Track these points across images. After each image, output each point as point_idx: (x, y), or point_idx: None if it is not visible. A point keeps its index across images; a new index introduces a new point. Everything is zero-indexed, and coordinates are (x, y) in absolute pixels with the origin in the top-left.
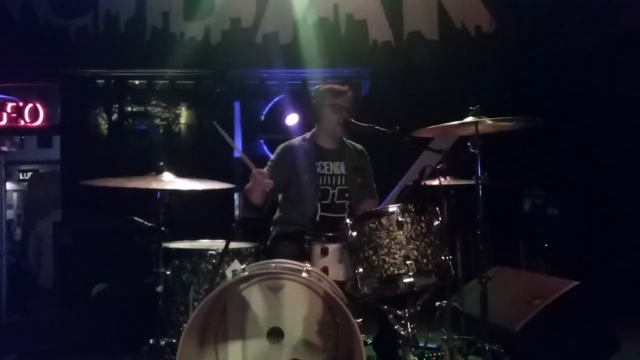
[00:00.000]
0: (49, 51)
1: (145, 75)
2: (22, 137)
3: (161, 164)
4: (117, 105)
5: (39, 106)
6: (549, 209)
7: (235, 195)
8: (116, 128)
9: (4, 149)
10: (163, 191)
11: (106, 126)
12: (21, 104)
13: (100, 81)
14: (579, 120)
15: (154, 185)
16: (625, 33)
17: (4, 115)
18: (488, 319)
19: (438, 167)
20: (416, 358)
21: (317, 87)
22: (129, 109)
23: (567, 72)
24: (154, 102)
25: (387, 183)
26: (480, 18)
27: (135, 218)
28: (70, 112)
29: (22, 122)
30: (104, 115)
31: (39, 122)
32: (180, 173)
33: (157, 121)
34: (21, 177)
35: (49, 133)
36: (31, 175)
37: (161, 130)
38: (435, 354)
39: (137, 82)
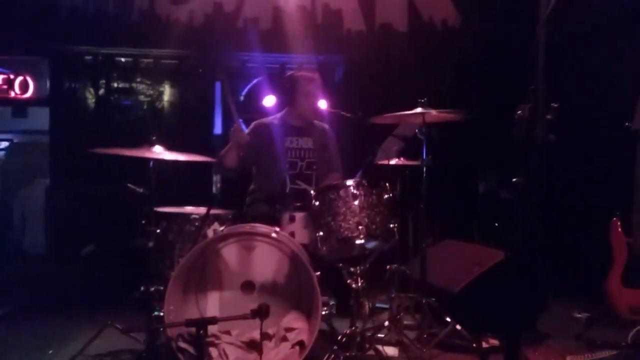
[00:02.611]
0: (40, 27)
1: (132, 54)
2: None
3: (153, 137)
4: (104, 81)
5: (29, 79)
6: (500, 192)
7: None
8: (102, 102)
9: None
10: (155, 160)
11: (93, 100)
12: (12, 76)
13: (88, 57)
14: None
15: (147, 155)
16: (591, 25)
17: None
18: (426, 279)
19: (395, 149)
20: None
21: (290, 73)
22: (115, 85)
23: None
24: (139, 80)
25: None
26: (446, 12)
27: (129, 185)
28: (59, 86)
29: (13, 94)
30: (91, 90)
31: (28, 94)
32: (165, 146)
33: (142, 97)
34: None
35: (39, 105)
36: (7, 146)
37: (145, 106)
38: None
39: (123, 59)
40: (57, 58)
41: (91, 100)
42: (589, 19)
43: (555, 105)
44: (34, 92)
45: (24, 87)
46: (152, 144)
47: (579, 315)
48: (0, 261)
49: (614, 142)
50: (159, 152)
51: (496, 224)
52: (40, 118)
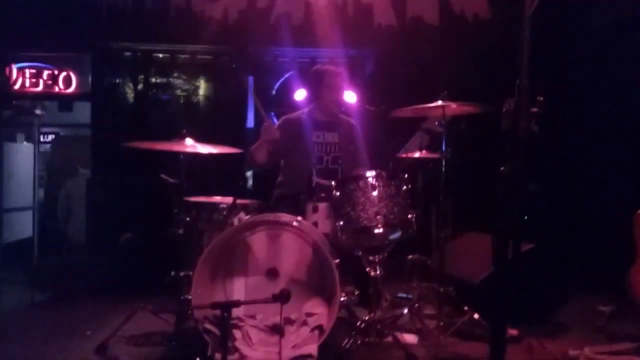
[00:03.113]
0: (81, 25)
1: (169, 50)
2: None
3: (184, 131)
4: (142, 76)
5: (72, 74)
6: (530, 185)
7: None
8: (141, 97)
9: (38, 112)
10: (185, 153)
11: (132, 95)
12: (56, 72)
13: (127, 54)
14: (565, 106)
15: (178, 148)
16: (611, 24)
17: (41, 81)
18: (444, 270)
19: (418, 142)
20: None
21: (316, 67)
22: (153, 80)
23: (554, 59)
24: (175, 75)
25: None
26: (478, 5)
27: (162, 175)
28: (100, 81)
29: (57, 89)
30: (131, 85)
31: (72, 89)
32: (199, 139)
33: (179, 92)
34: (42, 140)
35: (81, 100)
36: (54, 139)
37: (182, 101)
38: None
39: (161, 55)
40: (99, 54)
41: (130, 94)
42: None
43: (541, 99)
44: (76, 87)
45: (68, 82)
46: (183, 137)
47: (604, 308)
48: (44, 251)
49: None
50: (190, 144)
51: (525, 217)
52: (85, 111)
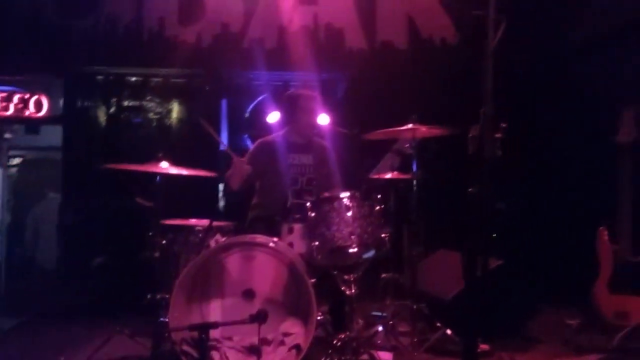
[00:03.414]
0: (53, 49)
1: (142, 73)
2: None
3: (160, 154)
4: (115, 100)
5: (43, 98)
6: (497, 204)
7: (220, 186)
8: (114, 120)
9: (7, 136)
10: (162, 175)
11: (104, 118)
12: (27, 95)
13: (100, 77)
14: (530, 124)
15: (154, 170)
16: (572, 49)
17: (11, 105)
18: (416, 287)
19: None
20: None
21: (290, 92)
22: (126, 103)
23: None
24: (148, 98)
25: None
26: (445, 30)
27: (138, 199)
28: (72, 104)
29: (28, 112)
30: (103, 108)
31: (42, 113)
32: (172, 162)
33: (151, 115)
34: (8, 163)
35: (52, 123)
36: (20, 162)
37: (154, 124)
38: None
39: (133, 78)
40: (71, 78)
41: (103, 118)
42: (578, 34)
43: (504, 125)
44: (48, 111)
45: (39, 105)
46: (159, 160)
47: (571, 322)
48: (11, 276)
49: (600, 155)
50: (165, 167)
51: (494, 235)
52: (52, 135)
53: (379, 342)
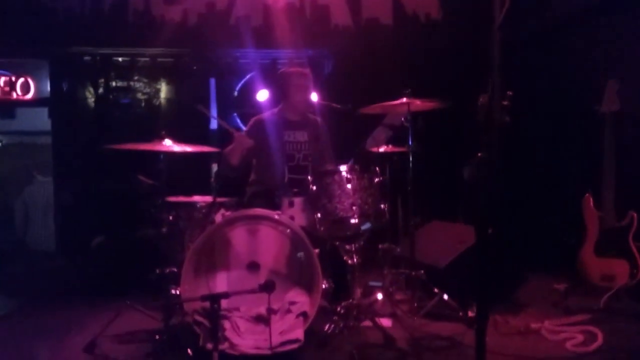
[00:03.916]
0: (39, 30)
1: (129, 53)
2: None
3: (163, 132)
4: (102, 80)
5: (30, 80)
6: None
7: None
8: (102, 101)
9: None
10: (166, 153)
11: (92, 99)
12: (13, 78)
13: (87, 58)
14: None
15: (159, 148)
16: (561, 19)
17: None
18: (415, 256)
19: (384, 137)
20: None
21: (282, 70)
22: (114, 83)
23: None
24: (136, 78)
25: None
26: (429, 6)
27: (141, 177)
28: (60, 86)
29: (15, 95)
30: (91, 89)
31: (30, 96)
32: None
33: (139, 95)
34: None
35: (40, 105)
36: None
37: (143, 104)
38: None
39: (120, 59)
40: (57, 60)
41: (91, 99)
42: (564, 9)
43: (510, 93)
44: (35, 93)
45: (26, 88)
46: (162, 138)
47: (558, 286)
48: (4, 259)
49: (586, 125)
50: (169, 145)
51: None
52: (28, 119)
53: (378, 309)
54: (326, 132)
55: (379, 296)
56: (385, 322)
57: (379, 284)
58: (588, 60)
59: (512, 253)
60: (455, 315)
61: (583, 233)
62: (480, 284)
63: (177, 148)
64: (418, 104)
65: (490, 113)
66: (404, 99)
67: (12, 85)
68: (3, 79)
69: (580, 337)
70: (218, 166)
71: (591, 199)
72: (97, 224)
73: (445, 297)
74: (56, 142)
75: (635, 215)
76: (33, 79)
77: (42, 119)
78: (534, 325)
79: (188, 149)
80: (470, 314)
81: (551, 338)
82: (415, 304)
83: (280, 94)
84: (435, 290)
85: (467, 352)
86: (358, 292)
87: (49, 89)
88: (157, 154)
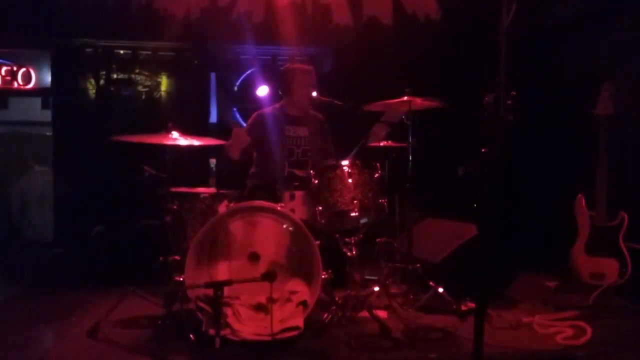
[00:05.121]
0: (41, 21)
1: (130, 46)
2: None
3: (170, 124)
4: (104, 73)
5: (31, 71)
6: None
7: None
8: (103, 93)
9: None
10: (172, 146)
11: (94, 91)
12: (15, 68)
13: (88, 50)
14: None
15: (166, 141)
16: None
17: None
18: (412, 251)
19: (384, 133)
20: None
21: (287, 66)
22: (115, 76)
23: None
24: (137, 71)
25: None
26: (428, 7)
27: (146, 168)
28: (61, 77)
29: (16, 85)
30: (92, 81)
31: (31, 85)
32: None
33: (140, 88)
34: None
35: (41, 95)
36: None
37: (143, 97)
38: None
39: (122, 51)
40: (59, 50)
41: (92, 91)
42: (561, 12)
43: (514, 93)
44: (36, 84)
45: (27, 78)
46: (169, 130)
47: (549, 284)
48: (2, 248)
49: (580, 126)
50: (176, 137)
51: (475, 205)
52: (22, 109)
53: (374, 301)
54: (328, 129)
55: (376, 289)
56: (381, 313)
57: (375, 277)
58: (583, 63)
59: (505, 250)
60: (449, 308)
61: (574, 233)
62: (481, 278)
63: (184, 141)
64: (419, 102)
65: (496, 111)
66: (405, 97)
67: (13, 74)
68: (5, 68)
69: (569, 331)
70: (217, 160)
71: (583, 200)
72: (96, 214)
73: (440, 290)
74: (57, 132)
75: (625, 215)
76: (35, 70)
77: (35, 110)
78: (525, 320)
79: (195, 142)
80: (463, 307)
81: (542, 332)
82: (411, 297)
83: (283, 90)
84: (431, 284)
85: (460, 343)
86: (356, 283)
87: (50, 79)
88: (162, 146)
